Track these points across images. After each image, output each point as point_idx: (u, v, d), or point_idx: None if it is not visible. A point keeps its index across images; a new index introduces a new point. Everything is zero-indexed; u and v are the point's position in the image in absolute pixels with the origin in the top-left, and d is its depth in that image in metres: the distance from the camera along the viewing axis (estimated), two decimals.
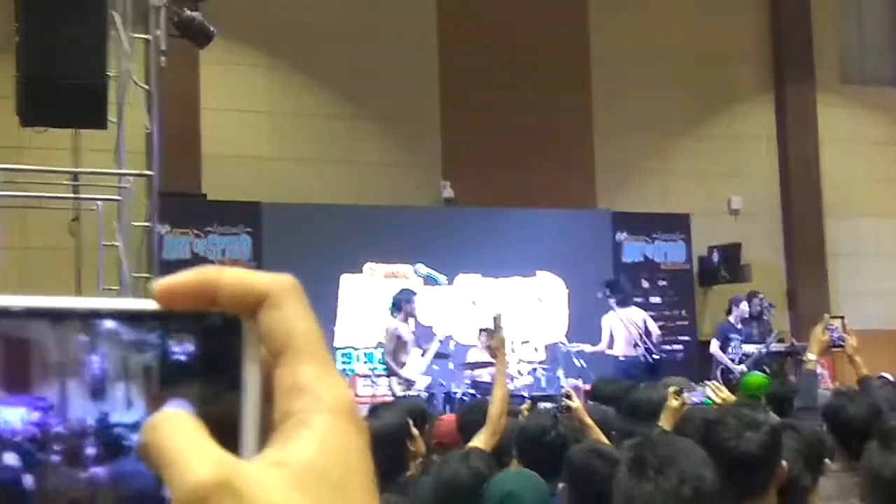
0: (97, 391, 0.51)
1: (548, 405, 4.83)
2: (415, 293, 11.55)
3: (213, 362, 0.51)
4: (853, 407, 4.24)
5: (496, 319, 5.39)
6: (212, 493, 0.46)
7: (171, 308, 0.52)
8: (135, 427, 0.50)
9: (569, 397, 4.81)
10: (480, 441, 4.44)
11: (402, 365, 10.89)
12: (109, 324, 0.51)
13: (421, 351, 10.64)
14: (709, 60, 16.37)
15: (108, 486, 0.50)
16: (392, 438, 4.07)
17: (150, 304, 0.52)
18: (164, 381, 0.51)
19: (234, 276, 0.53)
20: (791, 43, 16.95)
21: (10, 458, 0.50)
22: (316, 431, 0.49)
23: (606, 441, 4.31)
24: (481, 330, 12.51)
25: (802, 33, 17.02)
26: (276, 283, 0.53)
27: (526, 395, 10.36)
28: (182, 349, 0.52)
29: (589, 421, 4.65)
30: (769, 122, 17.03)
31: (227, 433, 0.50)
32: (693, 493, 2.30)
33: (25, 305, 0.51)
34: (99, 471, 0.50)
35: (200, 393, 0.51)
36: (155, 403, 0.51)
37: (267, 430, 0.50)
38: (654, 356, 11.74)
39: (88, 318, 0.51)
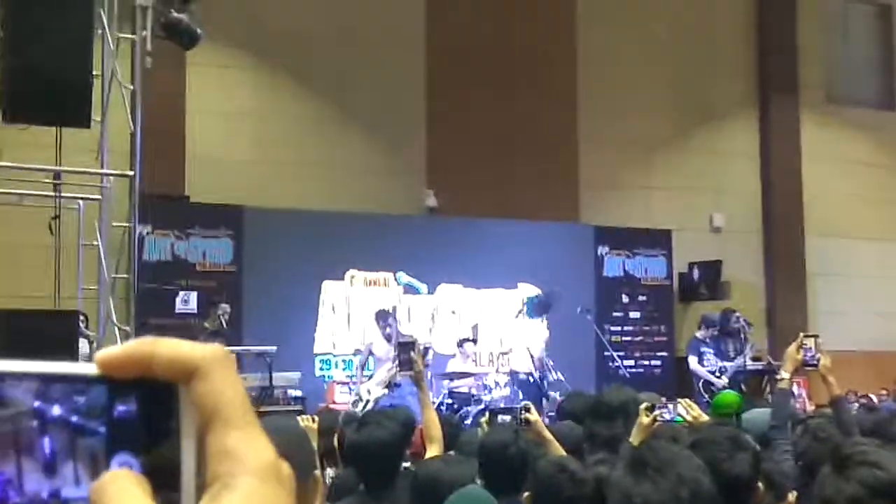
0: (49, 469, 0.56)
1: (506, 418, 4.78)
2: (393, 315, 11.60)
3: (153, 424, 0.57)
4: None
5: (413, 346, 5.40)
6: None
7: (112, 375, 0.57)
8: (85, 501, 0.55)
9: (528, 410, 4.77)
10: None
11: (368, 378, 11.01)
12: (57, 411, 0.56)
13: (390, 365, 10.62)
14: (695, 76, 16.45)
15: None
16: (394, 448, 4.12)
17: (93, 369, 0.57)
18: (112, 439, 0.56)
19: (168, 348, 0.57)
20: (777, 61, 17.05)
21: None
22: (239, 493, 0.54)
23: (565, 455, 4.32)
24: (461, 340, 12.54)
25: (788, 51, 17.13)
26: (207, 354, 0.57)
27: (502, 405, 10.35)
28: (125, 410, 0.57)
29: (548, 435, 4.63)
30: (753, 140, 17.12)
31: (168, 488, 0.55)
32: (691, 495, 2.31)
33: None
34: None
35: (144, 449, 0.56)
36: (105, 460, 0.56)
37: (200, 489, 0.56)
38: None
39: (38, 384, 0.57)
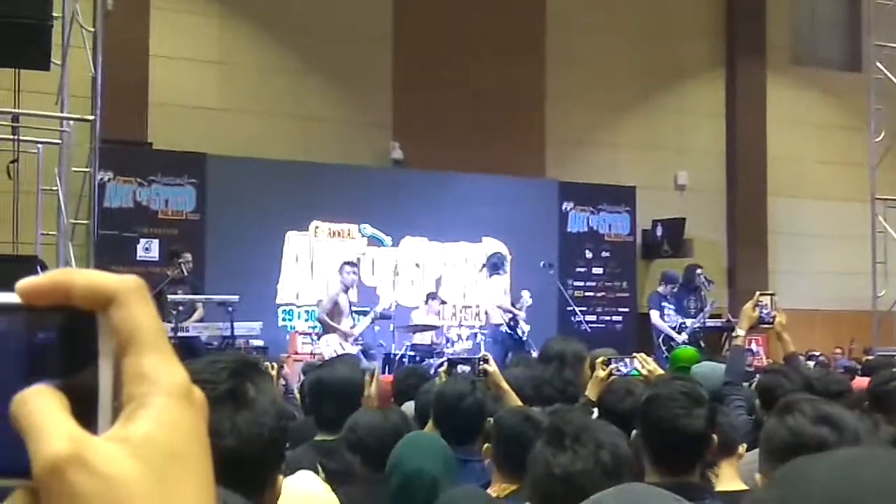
0: None
1: (465, 368, 4.79)
2: (356, 265, 11.62)
3: (73, 351, 0.60)
4: (789, 384, 4.32)
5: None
6: (66, 464, 0.55)
7: (32, 303, 0.60)
8: (5, 408, 0.58)
9: (486, 361, 4.77)
10: None
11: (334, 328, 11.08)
12: None
13: (352, 322, 10.80)
14: (664, 34, 16.43)
15: None
16: (354, 386, 4.36)
17: (14, 298, 0.60)
18: (32, 365, 0.59)
19: (86, 278, 0.60)
20: (744, 21, 17.06)
21: None
22: (153, 411, 0.58)
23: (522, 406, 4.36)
24: (428, 295, 12.57)
25: (756, 12, 17.14)
26: (123, 284, 0.60)
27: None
28: (44, 338, 0.60)
29: (505, 386, 4.64)
30: (719, 100, 17.18)
31: (86, 409, 0.58)
32: (611, 457, 2.36)
33: None
34: None
35: (63, 374, 0.59)
36: (24, 386, 0.58)
37: (117, 410, 0.59)
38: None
39: None
